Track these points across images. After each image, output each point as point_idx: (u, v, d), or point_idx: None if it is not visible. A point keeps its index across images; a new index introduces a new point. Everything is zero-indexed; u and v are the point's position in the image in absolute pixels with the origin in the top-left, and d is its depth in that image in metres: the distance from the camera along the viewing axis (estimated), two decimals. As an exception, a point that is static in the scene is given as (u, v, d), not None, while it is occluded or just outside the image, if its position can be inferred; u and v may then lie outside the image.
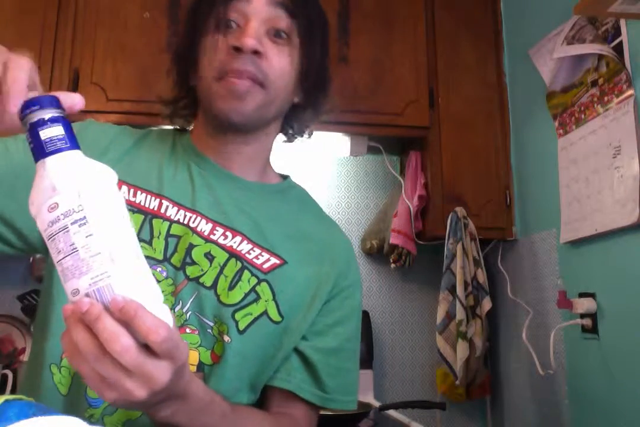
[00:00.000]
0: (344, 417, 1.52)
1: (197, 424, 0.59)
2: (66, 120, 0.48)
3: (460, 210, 1.82)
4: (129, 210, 0.68)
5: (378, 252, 2.04)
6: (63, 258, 0.46)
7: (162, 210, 0.76)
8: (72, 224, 0.45)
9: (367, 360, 1.93)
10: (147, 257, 0.68)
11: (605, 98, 1.46)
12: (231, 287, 0.74)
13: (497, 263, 1.96)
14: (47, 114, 0.47)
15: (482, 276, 1.82)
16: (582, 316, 1.51)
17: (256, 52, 0.73)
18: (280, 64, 0.76)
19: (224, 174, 0.82)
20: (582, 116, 1.55)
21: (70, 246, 0.45)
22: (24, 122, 0.48)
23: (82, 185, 0.46)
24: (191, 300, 0.73)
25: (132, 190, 0.76)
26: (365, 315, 1.97)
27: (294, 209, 0.87)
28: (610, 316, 1.44)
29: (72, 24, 1.80)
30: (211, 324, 0.73)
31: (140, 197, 0.76)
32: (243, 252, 0.76)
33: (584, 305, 1.47)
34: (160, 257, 0.73)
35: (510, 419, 1.92)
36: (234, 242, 0.76)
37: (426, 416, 1.93)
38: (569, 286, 1.57)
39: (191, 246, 0.74)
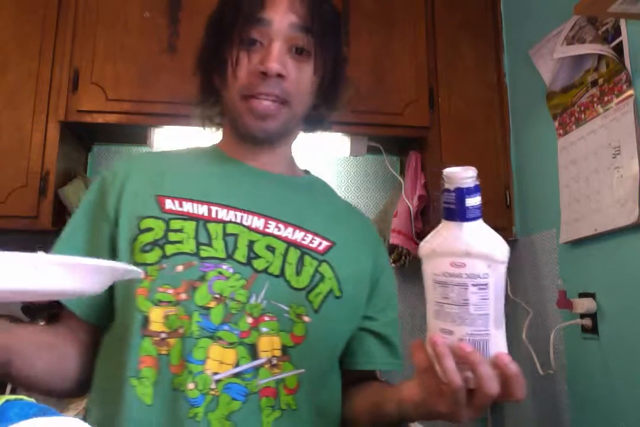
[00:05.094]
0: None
1: None
2: (479, 190, 0.56)
3: (460, 211, 1.82)
4: (180, 218, 0.80)
5: (378, 252, 2.04)
6: (449, 304, 0.56)
7: (213, 215, 0.81)
8: (472, 285, 0.55)
9: (367, 360, 1.93)
10: (211, 258, 0.77)
11: (605, 98, 1.46)
12: (298, 272, 0.80)
13: (497, 263, 1.95)
14: (473, 183, 0.55)
15: (482, 276, 1.82)
16: (582, 316, 1.51)
17: (280, 76, 0.79)
18: (302, 81, 0.82)
19: (258, 172, 0.88)
20: (582, 116, 1.55)
21: (463, 299, 0.55)
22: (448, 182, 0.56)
23: (492, 257, 0.55)
24: (264, 290, 0.78)
25: (176, 202, 0.81)
26: (365, 315, 1.97)
27: (324, 197, 0.95)
28: (610, 316, 1.44)
29: (72, 24, 1.80)
30: (287, 308, 0.78)
31: (187, 206, 0.81)
32: (298, 240, 0.83)
33: (584, 305, 1.47)
34: (223, 255, 0.78)
35: (511, 419, 1.92)
36: (288, 233, 0.83)
37: (426, 416, 1.93)
38: (569, 286, 1.57)
39: (251, 242, 0.80)
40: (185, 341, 0.73)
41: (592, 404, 1.50)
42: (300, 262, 0.81)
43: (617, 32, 1.42)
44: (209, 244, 0.79)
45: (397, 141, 2.05)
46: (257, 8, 0.80)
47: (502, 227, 1.90)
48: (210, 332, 0.74)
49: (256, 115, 0.81)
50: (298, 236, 0.83)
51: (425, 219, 1.93)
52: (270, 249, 0.81)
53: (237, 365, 0.74)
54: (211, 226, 0.80)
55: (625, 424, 1.36)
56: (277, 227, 0.82)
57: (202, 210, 0.81)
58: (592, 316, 1.48)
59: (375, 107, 1.86)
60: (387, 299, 0.93)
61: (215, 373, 0.72)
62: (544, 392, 1.72)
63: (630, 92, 1.37)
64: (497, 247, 0.55)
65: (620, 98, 1.40)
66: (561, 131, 1.65)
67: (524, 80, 1.90)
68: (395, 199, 2.00)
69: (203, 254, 0.78)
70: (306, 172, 0.98)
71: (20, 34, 1.78)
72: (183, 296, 0.75)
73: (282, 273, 0.80)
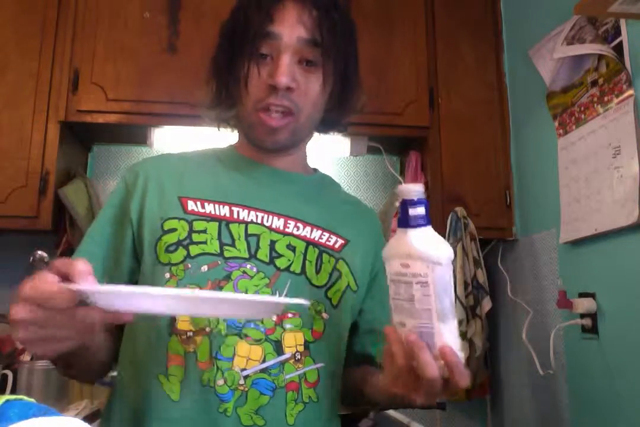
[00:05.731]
0: (344, 417, 1.52)
1: None
2: (427, 203, 0.64)
3: (460, 210, 1.83)
4: (203, 220, 0.82)
5: (378, 252, 2.04)
6: (400, 300, 0.64)
7: (235, 216, 0.83)
8: (416, 283, 0.62)
9: (367, 360, 1.93)
10: (235, 257, 0.80)
11: (605, 98, 1.46)
12: (317, 270, 0.84)
13: (497, 263, 1.96)
14: (416, 196, 0.64)
15: (482, 276, 1.82)
16: (582, 316, 1.51)
17: (289, 89, 0.81)
18: (310, 91, 0.83)
19: (275, 172, 0.90)
20: (582, 116, 1.55)
21: (410, 295, 0.63)
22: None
23: (429, 259, 0.62)
24: (287, 288, 0.81)
25: (198, 203, 0.84)
26: (365, 315, 1.97)
27: (334, 194, 0.98)
28: (610, 316, 1.44)
29: (72, 23, 1.80)
30: (309, 305, 0.80)
31: (209, 208, 0.84)
32: (316, 238, 0.86)
33: (584, 305, 1.47)
34: (247, 255, 0.81)
35: (510, 419, 1.92)
36: (307, 232, 0.86)
37: (426, 416, 1.94)
38: (569, 286, 1.57)
39: (272, 242, 0.83)
40: (213, 338, 0.76)
41: (592, 404, 1.50)
42: (319, 260, 0.85)
43: (617, 32, 1.42)
44: (232, 245, 0.81)
45: (397, 141, 2.05)
46: (267, 22, 0.81)
47: (502, 227, 1.90)
48: (237, 330, 0.76)
49: (266, 130, 0.83)
50: (316, 234, 0.86)
51: (425, 219, 1.92)
52: (291, 248, 0.84)
53: (263, 361, 0.76)
54: (233, 227, 0.82)
55: (625, 424, 1.36)
56: (296, 226, 0.85)
57: (223, 211, 0.83)
58: (592, 316, 1.48)
59: (375, 107, 1.86)
60: (386, 292, 0.95)
61: (243, 369, 0.75)
62: (544, 392, 1.72)
63: (630, 92, 1.37)
64: (435, 250, 0.63)
65: (620, 98, 1.40)
66: (561, 131, 1.65)
67: (524, 80, 1.89)
68: (395, 199, 2.01)
69: (227, 254, 0.80)
70: (315, 170, 1.01)
71: (20, 34, 1.78)
72: None
73: (303, 271, 0.83)
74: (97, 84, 1.77)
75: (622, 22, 1.40)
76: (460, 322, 1.74)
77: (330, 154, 2.08)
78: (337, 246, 0.87)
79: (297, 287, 0.81)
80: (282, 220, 0.85)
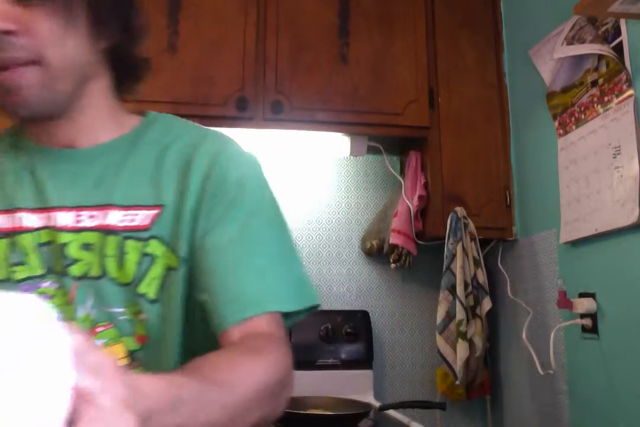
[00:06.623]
0: (344, 417, 1.52)
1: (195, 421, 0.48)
2: None
3: (460, 211, 1.83)
4: None
5: (378, 252, 2.04)
6: None
7: (23, 224, 0.69)
8: None
9: (366, 360, 1.93)
10: (27, 278, 0.66)
11: (605, 98, 1.46)
12: (121, 265, 0.68)
13: (497, 263, 1.96)
14: None
15: (482, 276, 1.82)
16: (582, 316, 1.51)
17: (7, 32, 0.61)
18: (46, 30, 0.63)
19: (68, 154, 0.72)
20: (582, 116, 1.55)
21: None
22: None
23: None
24: (90, 298, 0.68)
25: None
26: (365, 315, 1.97)
27: (156, 145, 0.75)
28: (610, 316, 1.44)
29: (72, 24, 1.80)
30: (122, 310, 0.68)
31: None
32: (115, 223, 0.69)
33: (584, 305, 1.47)
34: (42, 271, 0.68)
35: (510, 419, 1.92)
36: (103, 219, 0.69)
37: (426, 416, 1.94)
38: (569, 286, 1.57)
39: (63, 246, 0.68)
40: None
41: (592, 404, 1.50)
42: (122, 250, 0.68)
43: (617, 32, 1.42)
44: (24, 263, 0.68)
45: (397, 141, 2.05)
46: None
47: (502, 227, 1.90)
48: None
49: (5, 91, 0.63)
50: (116, 217, 0.69)
51: (425, 219, 1.93)
52: (86, 247, 0.68)
53: None
54: (21, 240, 0.68)
55: (625, 424, 1.36)
56: (90, 216, 0.69)
57: (10, 221, 0.69)
58: (592, 316, 1.48)
59: (375, 107, 1.86)
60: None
61: None
62: (544, 392, 1.72)
63: (630, 92, 1.37)
64: None
65: (620, 98, 1.40)
66: (561, 131, 1.65)
67: (524, 80, 1.89)
68: (395, 199, 2.01)
69: (17, 276, 0.67)
70: (143, 114, 0.80)
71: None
72: None
73: (103, 272, 0.68)
74: (97, 84, 1.77)
75: (622, 22, 1.40)
76: (460, 322, 1.74)
77: (330, 154, 2.08)
78: (145, 222, 0.69)
79: (102, 293, 0.67)
80: (72, 214, 0.69)
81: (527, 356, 1.72)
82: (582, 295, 1.52)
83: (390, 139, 2.01)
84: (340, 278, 2.09)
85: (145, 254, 0.69)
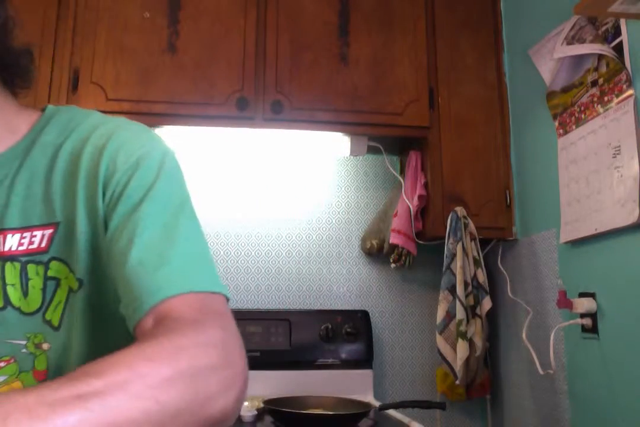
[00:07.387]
0: (344, 417, 1.52)
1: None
2: None
3: (460, 210, 1.83)
4: None
5: (378, 252, 2.04)
6: None
7: None
8: None
9: (366, 360, 1.93)
10: None
11: (605, 98, 1.46)
12: (25, 293, 0.63)
13: (497, 263, 1.96)
14: None
15: (482, 276, 1.82)
16: (582, 315, 1.51)
17: None
18: None
19: None
20: (582, 116, 1.55)
21: None
22: None
23: None
24: None
25: None
26: (365, 315, 1.97)
27: (49, 151, 0.67)
28: (610, 316, 1.44)
29: (72, 23, 1.80)
30: (24, 342, 0.64)
31: None
32: (13, 248, 0.64)
33: (584, 305, 1.47)
34: None
35: (511, 419, 1.92)
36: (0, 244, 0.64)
37: (426, 416, 1.94)
38: (569, 286, 1.57)
39: None
40: None
41: (592, 404, 1.50)
42: (24, 276, 0.63)
43: (617, 32, 1.42)
44: None
45: (397, 141, 2.05)
46: None
47: (502, 227, 1.90)
48: None
49: None
50: (12, 242, 0.64)
51: (425, 219, 1.93)
52: None
53: None
54: None
55: (625, 424, 1.36)
56: None
57: None
58: (592, 315, 1.48)
59: (375, 107, 1.86)
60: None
61: None
62: (543, 392, 1.72)
63: (630, 92, 1.37)
64: None
65: (620, 98, 1.40)
66: (561, 131, 1.65)
67: (524, 80, 1.90)
68: (395, 199, 2.01)
69: None
70: (43, 110, 0.71)
71: (19, 34, 1.77)
72: None
73: (5, 302, 0.63)
74: (97, 83, 1.77)
75: (622, 22, 1.40)
76: (460, 322, 1.74)
77: (330, 154, 2.09)
78: (43, 244, 0.64)
79: (5, 326, 0.63)
80: None
81: (527, 356, 1.72)
82: (582, 295, 1.52)
83: (390, 139, 2.01)
84: (340, 278, 2.09)
85: (49, 278, 0.64)
